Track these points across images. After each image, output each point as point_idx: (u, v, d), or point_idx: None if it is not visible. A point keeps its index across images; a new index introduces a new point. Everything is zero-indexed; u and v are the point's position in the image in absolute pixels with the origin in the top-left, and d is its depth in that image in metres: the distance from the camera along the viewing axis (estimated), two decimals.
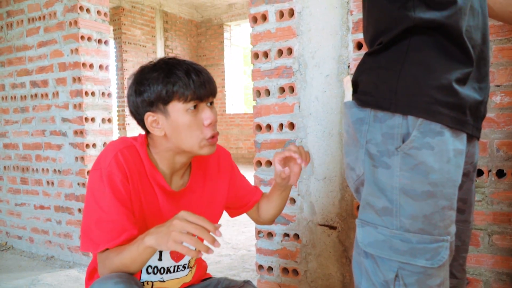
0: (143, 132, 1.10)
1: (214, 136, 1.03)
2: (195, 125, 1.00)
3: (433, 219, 0.76)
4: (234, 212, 1.31)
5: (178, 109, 0.98)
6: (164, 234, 0.85)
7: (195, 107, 0.99)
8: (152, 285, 1.11)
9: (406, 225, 0.76)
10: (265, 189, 1.91)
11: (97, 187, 0.97)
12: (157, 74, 0.98)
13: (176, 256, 1.12)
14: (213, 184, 1.19)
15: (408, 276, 0.76)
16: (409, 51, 0.77)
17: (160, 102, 0.98)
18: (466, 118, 0.78)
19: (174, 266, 1.13)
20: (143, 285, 1.10)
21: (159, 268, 1.11)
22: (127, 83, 1.06)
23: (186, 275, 1.18)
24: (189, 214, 0.86)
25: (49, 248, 2.93)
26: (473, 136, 0.83)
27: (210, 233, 0.85)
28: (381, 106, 0.79)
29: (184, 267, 1.16)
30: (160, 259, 1.10)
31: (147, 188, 1.04)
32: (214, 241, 0.84)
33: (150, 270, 1.10)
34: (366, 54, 0.86)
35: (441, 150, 0.75)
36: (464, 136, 0.79)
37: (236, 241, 3.22)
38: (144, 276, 1.10)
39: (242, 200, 1.28)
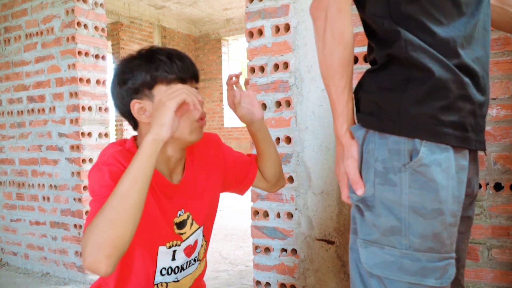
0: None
1: (202, 118, 1.02)
2: (181, 107, 0.96)
3: (441, 237, 0.75)
4: (241, 189, 1.28)
5: (163, 92, 0.96)
6: (161, 106, 0.88)
7: None
8: (167, 286, 1.10)
9: (415, 244, 0.75)
10: (262, 204, 1.89)
11: (97, 175, 0.95)
12: (139, 61, 0.98)
13: (189, 251, 1.11)
14: (208, 171, 1.17)
15: None
16: (411, 70, 0.76)
17: (145, 87, 0.98)
18: (469, 135, 0.78)
19: (187, 262, 1.12)
20: (157, 287, 1.08)
21: (173, 268, 1.09)
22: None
23: (197, 269, 1.17)
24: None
25: (45, 265, 2.89)
26: (476, 150, 0.82)
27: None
28: (385, 129, 0.78)
29: (195, 260, 1.15)
30: (173, 258, 1.09)
31: None
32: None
33: (164, 272, 1.08)
34: (367, 72, 0.86)
35: (447, 166, 0.74)
36: (467, 152, 0.79)
37: (234, 256, 3.18)
38: (158, 278, 1.08)
39: (241, 175, 1.24)
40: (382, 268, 0.77)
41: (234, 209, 5.07)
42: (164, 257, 1.07)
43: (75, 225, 2.70)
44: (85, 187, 2.66)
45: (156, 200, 1.03)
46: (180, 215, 1.08)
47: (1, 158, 3.13)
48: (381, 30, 0.80)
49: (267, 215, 1.88)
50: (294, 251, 1.83)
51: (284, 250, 1.86)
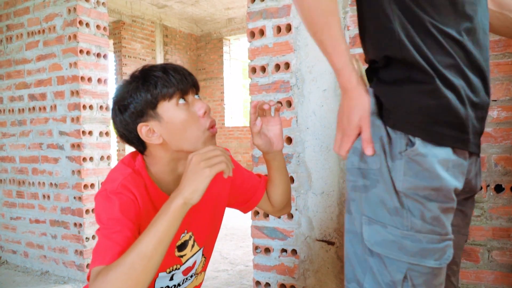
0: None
1: (213, 126, 0.99)
2: (191, 119, 0.96)
3: (440, 219, 0.76)
4: (244, 209, 1.25)
5: (168, 108, 0.95)
6: (198, 170, 0.84)
7: (184, 100, 0.96)
8: None
9: (417, 225, 0.75)
10: None
11: (104, 204, 0.92)
12: (136, 83, 0.95)
13: (187, 271, 1.10)
14: (215, 188, 1.13)
15: (417, 277, 0.76)
16: (411, 71, 0.76)
17: (148, 108, 0.95)
18: (467, 136, 0.78)
19: (184, 279, 1.11)
20: None
21: (170, 286, 1.08)
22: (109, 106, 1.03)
23: (193, 282, 1.16)
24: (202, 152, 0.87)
25: (44, 263, 2.90)
26: (473, 153, 0.82)
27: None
28: (381, 118, 0.79)
29: (191, 276, 1.13)
30: (171, 279, 1.07)
31: (149, 215, 0.97)
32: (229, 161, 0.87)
33: None
34: (368, 67, 0.86)
35: (444, 158, 0.75)
36: (466, 153, 0.79)
37: (233, 256, 3.18)
38: None
39: (247, 195, 1.21)
40: (383, 247, 0.77)
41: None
42: (162, 280, 1.05)
43: (75, 224, 2.70)
44: (85, 186, 2.66)
45: None
46: (182, 236, 1.05)
47: (1, 156, 3.13)
48: (377, 28, 0.80)
49: (267, 215, 1.88)
50: (294, 251, 1.83)
51: (284, 250, 1.86)
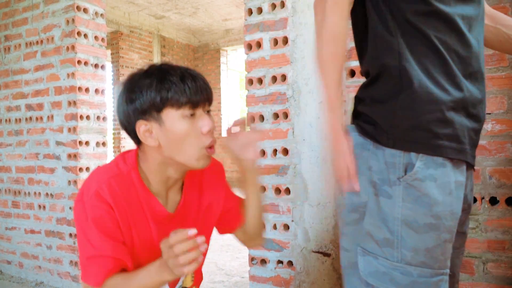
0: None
1: (212, 146, 0.97)
2: (193, 133, 0.94)
3: (434, 252, 0.75)
4: (223, 228, 1.22)
5: (173, 116, 0.92)
6: (174, 266, 0.85)
7: (192, 114, 0.93)
8: None
9: (407, 257, 0.75)
10: None
11: (83, 220, 0.94)
12: (150, 81, 0.92)
13: (172, 283, 1.08)
14: (208, 199, 1.12)
15: None
16: (402, 81, 0.77)
17: (153, 110, 0.92)
18: (465, 147, 0.78)
19: None
20: None
21: None
22: (115, 92, 1.03)
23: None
24: (176, 235, 0.84)
25: (39, 274, 2.87)
26: (470, 165, 0.83)
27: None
28: (380, 142, 0.78)
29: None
30: None
31: (137, 215, 0.99)
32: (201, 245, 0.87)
33: None
34: (361, 86, 0.87)
35: (443, 182, 0.75)
36: (464, 167, 0.79)
37: (229, 267, 3.17)
38: None
39: (228, 217, 1.18)
40: (375, 278, 0.78)
41: None
42: None
43: (70, 234, 2.68)
44: None
45: (148, 226, 1.01)
46: None
47: None
48: (378, 38, 0.81)
49: (264, 227, 1.88)
50: (290, 263, 1.83)
51: (280, 262, 1.85)
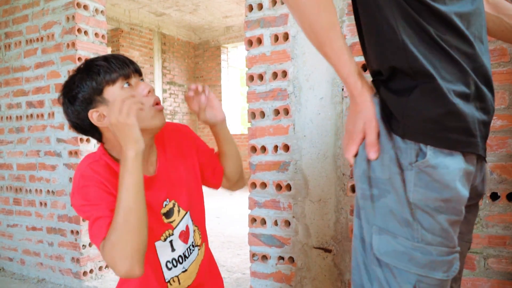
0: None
1: (158, 103, 1.06)
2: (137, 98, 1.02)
3: (449, 232, 0.77)
4: (214, 180, 1.29)
5: (113, 92, 1.01)
6: (124, 127, 0.93)
7: (128, 84, 1.03)
8: (178, 279, 1.13)
9: (427, 238, 0.76)
10: (259, 211, 1.90)
11: (81, 192, 0.99)
12: (80, 74, 1.02)
13: (184, 237, 1.14)
14: (183, 159, 1.20)
15: None
16: (417, 78, 0.77)
17: (95, 95, 1.01)
18: (476, 140, 0.79)
19: (187, 249, 1.15)
20: (170, 284, 1.12)
21: (176, 258, 1.12)
22: (58, 101, 1.11)
23: (199, 255, 1.20)
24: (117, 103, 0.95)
25: (40, 271, 2.88)
26: (481, 157, 0.83)
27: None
28: (392, 129, 0.79)
29: (193, 245, 1.17)
30: (173, 249, 1.11)
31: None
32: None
33: (169, 265, 1.11)
34: (374, 78, 0.86)
35: (455, 168, 0.76)
36: (474, 158, 0.80)
37: (231, 263, 3.18)
38: (168, 274, 1.11)
39: (212, 165, 1.27)
40: (393, 257, 0.78)
41: (231, 217, 5.06)
42: (163, 251, 1.10)
43: (71, 231, 2.69)
44: None
45: None
46: (166, 204, 1.11)
47: None
48: (380, 39, 0.81)
49: (265, 223, 1.89)
50: (291, 259, 1.83)
51: (281, 258, 1.86)
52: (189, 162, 1.21)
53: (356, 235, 0.86)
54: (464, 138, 0.76)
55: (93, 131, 1.06)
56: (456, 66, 0.77)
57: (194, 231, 1.18)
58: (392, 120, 0.79)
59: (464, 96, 0.77)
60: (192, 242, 1.17)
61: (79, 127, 1.07)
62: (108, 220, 0.94)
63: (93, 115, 1.01)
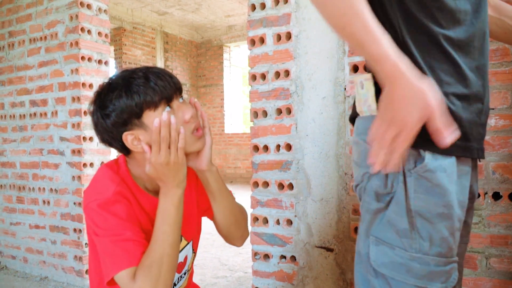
0: None
1: (198, 129, 1.00)
2: (178, 125, 0.95)
3: (449, 241, 0.76)
4: (210, 214, 1.20)
5: (154, 118, 0.93)
6: (172, 166, 0.91)
7: (169, 107, 0.96)
8: None
9: (425, 248, 0.75)
10: (261, 210, 1.90)
11: (105, 216, 0.92)
12: (118, 91, 0.93)
13: (180, 268, 1.11)
14: (193, 188, 1.16)
15: None
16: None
17: (133, 118, 0.93)
18: (471, 144, 0.79)
19: (178, 278, 1.12)
20: None
21: None
22: (88, 111, 1.03)
23: (185, 280, 1.18)
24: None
25: (43, 269, 2.89)
26: (477, 158, 0.83)
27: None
28: None
29: (185, 273, 1.15)
30: None
31: (142, 216, 1.01)
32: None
33: None
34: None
35: (452, 171, 0.75)
36: (469, 159, 0.80)
37: (232, 262, 3.18)
38: None
39: (207, 203, 1.18)
40: (390, 268, 0.77)
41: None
42: None
43: (74, 229, 2.70)
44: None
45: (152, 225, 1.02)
46: None
47: (2, 161, 3.14)
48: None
49: (267, 222, 1.89)
50: (293, 258, 1.83)
51: (283, 257, 1.86)
52: (193, 192, 1.16)
53: (360, 237, 0.86)
54: (460, 143, 0.76)
55: (122, 149, 0.99)
56: (455, 67, 0.77)
57: (191, 258, 1.16)
58: None
59: (462, 98, 0.77)
60: (185, 270, 1.14)
61: (108, 143, 1.00)
62: (139, 249, 0.89)
63: (128, 138, 0.95)
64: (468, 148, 0.78)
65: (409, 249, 0.76)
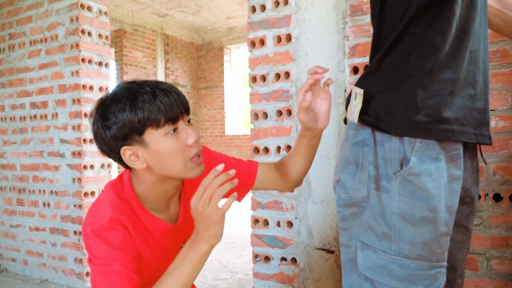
0: None
1: (199, 155, 0.95)
2: (179, 148, 0.91)
3: (431, 245, 0.76)
4: (239, 196, 1.18)
5: (155, 137, 0.89)
6: (211, 222, 0.84)
7: (174, 129, 0.91)
8: None
9: (405, 251, 0.75)
10: (262, 212, 1.90)
11: (98, 242, 0.90)
12: (122, 104, 0.88)
13: None
14: None
15: None
16: (407, 71, 0.77)
17: (134, 133, 0.89)
18: (466, 128, 0.78)
19: None
20: None
21: None
22: (89, 119, 0.98)
23: None
24: (206, 178, 0.84)
25: (43, 271, 2.89)
26: (474, 151, 0.82)
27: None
28: (381, 128, 0.78)
29: None
30: None
31: (144, 241, 0.98)
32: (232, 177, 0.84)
33: None
34: (365, 76, 0.86)
35: (438, 176, 0.75)
36: (461, 161, 0.78)
37: (233, 264, 3.18)
38: None
39: (240, 182, 1.13)
40: (374, 271, 0.78)
41: (234, 218, 5.06)
42: None
43: (75, 232, 2.70)
44: (85, 194, 2.67)
45: (154, 241, 1.00)
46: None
47: (2, 163, 3.14)
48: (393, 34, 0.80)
49: (267, 224, 1.89)
50: (294, 260, 1.83)
51: (284, 259, 1.86)
52: None
53: (344, 262, 0.87)
54: (454, 128, 0.76)
55: (119, 162, 0.95)
56: (451, 53, 0.76)
57: None
58: (380, 122, 0.79)
59: (454, 84, 0.76)
60: None
61: (106, 153, 0.96)
62: (125, 279, 0.86)
63: (126, 153, 0.91)
64: (464, 133, 0.77)
65: (389, 252, 0.77)
